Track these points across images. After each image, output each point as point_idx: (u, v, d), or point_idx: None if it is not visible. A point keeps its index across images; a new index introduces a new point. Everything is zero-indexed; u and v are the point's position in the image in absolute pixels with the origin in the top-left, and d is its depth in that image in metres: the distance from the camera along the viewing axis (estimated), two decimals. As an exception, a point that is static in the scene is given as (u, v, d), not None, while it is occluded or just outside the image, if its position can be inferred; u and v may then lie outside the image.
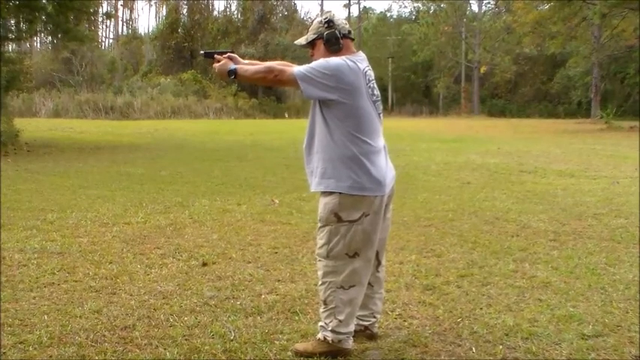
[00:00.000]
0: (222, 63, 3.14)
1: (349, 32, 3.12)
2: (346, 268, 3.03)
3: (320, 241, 3.08)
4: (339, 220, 3.00)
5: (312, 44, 3.13)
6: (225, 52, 3.23)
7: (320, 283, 3.11)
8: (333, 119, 2.99)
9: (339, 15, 3.21)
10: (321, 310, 3.13)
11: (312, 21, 3.17)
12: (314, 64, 2.99)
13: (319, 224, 3.08)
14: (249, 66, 3.15)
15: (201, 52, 3.36)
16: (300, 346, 3.14)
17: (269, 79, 3.09)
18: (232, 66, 3.11)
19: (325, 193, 3.04)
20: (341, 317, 3.05)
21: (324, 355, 3.05)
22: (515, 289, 4.19)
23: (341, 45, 3.06)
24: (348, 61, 2.98)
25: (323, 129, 3.03)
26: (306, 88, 2.95)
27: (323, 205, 3.05)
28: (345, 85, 2.95)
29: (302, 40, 3.19)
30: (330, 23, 3.06)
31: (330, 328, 3.06)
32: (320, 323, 3.14)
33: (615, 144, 17.77)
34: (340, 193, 2.98)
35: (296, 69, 3.00)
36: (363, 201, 2.99)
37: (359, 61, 3.05)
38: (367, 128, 3.02)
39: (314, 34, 3.10)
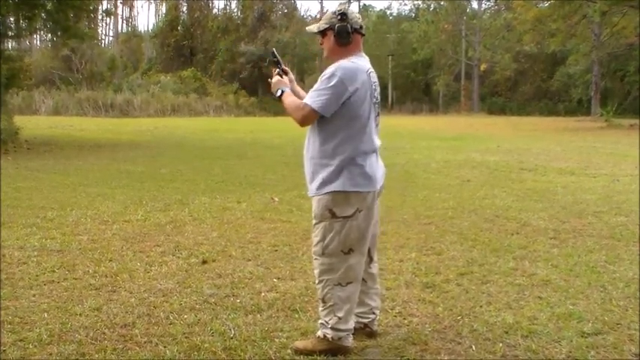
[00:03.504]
0: (279, 81, 3.24)
1: (361, 27, 3.13)
2: (342, 265, 3.05)
3: (315, 239, 3.09)
4: (334, 216, 3.02)
5: (323, 33, 3.14)
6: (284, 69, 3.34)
7: (317, 281, 3.12)
8: (329, 123, 3.02)
9: (354, 9, 3.22)
10: (320, 308, 3.14)
11: (327, 10, 3.19)
12: (322, 85, 2.99)
13: (314, 221, 3.10)
14: (291, 96, 3.18)
15: (273, 49, 3.47)
16: (300, 344, 3.14)
17: (295, 120, 3.10)
18: (284, 89, 3.21)
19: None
20: (340, 314, 3.06)
21: (324, 352, 3.06)
22: (515, 287, 4.19)
23: (351, 39, 3.08)
24: (349, 67, 3.00)
25: (319, 133, 3.06)
26: (326, 111, 2.99)
27: (317, 201, 3.07)
28: (350, 93, 2.98)
29: (313, 28, 3.20)
30: (343, 16, 3.07)
31: (329, 326, 3.07)
32: (320, 321, 3.15)
33: (615, 142, 17.77)
34: (334, 190, 3.01)
35: (311, 102, 2.99)
36: (356, 197, 3.02)
37: (363, 62, 3.08)
38: (363, 131, 3.05)
39: (326, 23, 3.11)
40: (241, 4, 49.23)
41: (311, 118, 3.01)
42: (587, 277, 4.43)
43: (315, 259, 3.11)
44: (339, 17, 3.07)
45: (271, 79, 3.29)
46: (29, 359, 3.03)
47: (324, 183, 3.03)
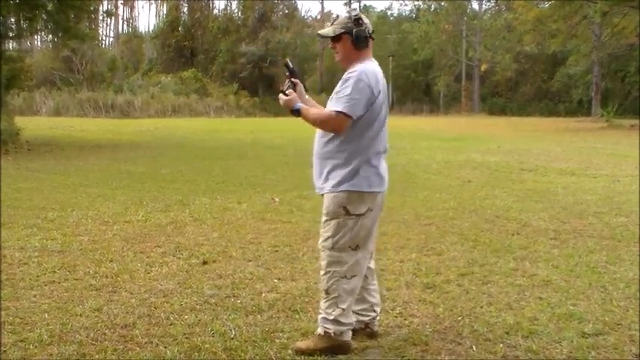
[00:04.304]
0: (290, 99, 3.16)
1: (372, 32, 3.17)
2: (349, 260, 3.10)
3: (325, 234, 3.12)
4: (347, 213, 3.08)
5: (338, 38, 3.13)
6: (296, 77, 3.31)
7: (323, 272, 3.14)
8: (352, 126, 3.05)
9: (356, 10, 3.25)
10: (323, 301, 3.16)
11: (336, 14, 3.19)
12: (351, 90, 3.00)
13: (325, 217, 3.13)
14: (310, 109, 3.17)
15: (287, 60, 3.42)
16: (302, 344, 3.14)
17: (327, 130, 3.10)
18: (298, 105, 3.14)
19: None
20: (343, 306, 3.11)
21: (325, 351, 3.07)
22: (515, 288, 4.19)
23: (368, 44, 3.11)
24: (371, 71, 3.05)
25: (344, 137, 3.07)
26: (357, 115, 3.01)
27: (331, 198, 3.10)
28: (375, 97, 3.05)
29: (329, 32, 3.16)
30: (359, 21, 3.10)
31: (332, 318, 3.10)
32: (321, 315, 3.15)
33: (616, 142, 17.77)
34: (350, 190, 3.07)
35: (343, 109, 2.99)
36: (369, 196, 3.10)
37: (377, 67, 3.14)
38: (379, 133, 3.13)
39: (341, 28, 3.11)
40: (242, 5, 49.26)
41: (346, 124, 3.02)
42: (587, 277, 4.43)
43: (323, 251, 3.15)
44: (354, 22, 3.09)
45: (282, 89, 3.22)
46: (30, 360, 3.03)
47: (341, 182, 3.07)
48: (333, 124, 3.05)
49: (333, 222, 3.10)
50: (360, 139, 3.07)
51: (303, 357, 3.07)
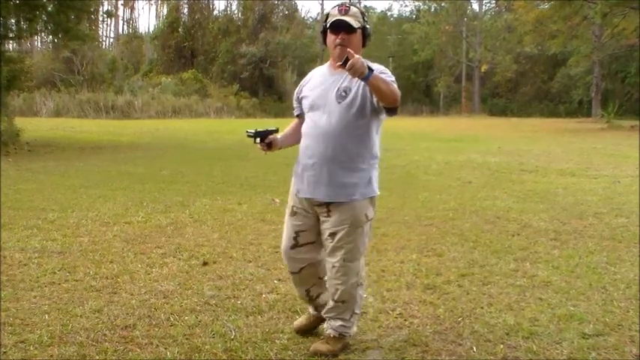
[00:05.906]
0: (362, 63, 2.67)
1: None
2: (361, 265, 3.15)
3: (348, 246, 3.03)
4: (367, 219, 3.09)
5: (355, 30, 2.96)
6: (270, 132, 3.16)
7: (345, 287, 3.07)
8: (370, 127, 3.04)
9: None
10: (338, 309, 3.12)
11: (346, 5, 2.97)
12: (386, 72, 2.91)
13: (347, 228, 3.01)
14: (380, 75, 2.80)
15: (247, 131, 3.15)
16: (322, 347, 3.08)
17: (395, 99, 2.88)
18: (369, 73, 2.71)
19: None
20: (358, 311, 3.18)
21: (341, 350, 3.11)
22: (516, 289, 4.19)
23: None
24: None
25: (356, 137, 3.00)
26: None
27: (355, 206, 3.01)
28: None
29: (352, 22, 2.93)
30: (365, 18, 3.04)
31: (353, 324, 3.16)
32: (337, 323, 3.13)
33: (616, 143, 17.76)
34: (371, 196, 3.09)
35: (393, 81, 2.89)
36: (377, 199, 3.15)
37: None
38: (379, 135, 3.16)
39: (358, 21, 2.97)
40: (242, 6, 49.25)
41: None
42: (588, 278, 4.43)
43: (343, 266, 3.04)
44: (364, 19, 3.02)
45: (342, 62, 2.70)
46: (30, 361, 3.03)
47: (363, 189, 3.04)
48: (399, 97, 2.89)
49: (357, 231, 3.02)
50: (375, 144, 3.07)
51: (302, 358, 3.07)
